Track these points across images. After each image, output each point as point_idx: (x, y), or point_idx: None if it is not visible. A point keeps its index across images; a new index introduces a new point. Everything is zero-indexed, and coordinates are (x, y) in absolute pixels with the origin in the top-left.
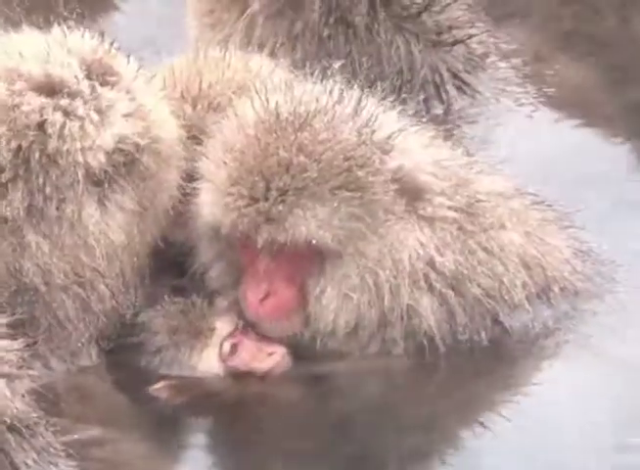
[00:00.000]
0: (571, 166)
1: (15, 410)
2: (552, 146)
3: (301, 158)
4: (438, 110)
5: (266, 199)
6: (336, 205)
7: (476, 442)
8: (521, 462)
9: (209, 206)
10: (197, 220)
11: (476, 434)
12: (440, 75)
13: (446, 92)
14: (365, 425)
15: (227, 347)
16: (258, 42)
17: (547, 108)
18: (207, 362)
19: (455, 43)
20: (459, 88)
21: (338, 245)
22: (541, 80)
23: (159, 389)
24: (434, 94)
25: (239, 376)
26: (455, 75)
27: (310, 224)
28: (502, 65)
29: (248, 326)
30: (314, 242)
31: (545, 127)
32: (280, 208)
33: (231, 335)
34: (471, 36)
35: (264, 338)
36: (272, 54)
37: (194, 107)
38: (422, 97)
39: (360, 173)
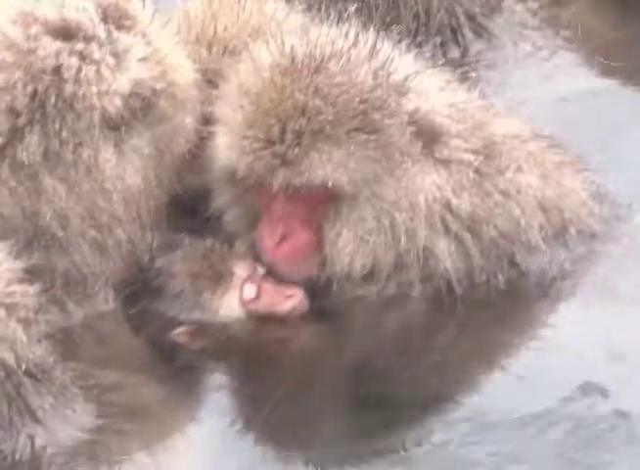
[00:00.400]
0: (588, 110)
1: (31, 355)
2: (569, 89)
3: (317, 100)
4: (455, 53)
5: (282, 142)
6: (352, 147)
7: (492, 383)
8: (538, 404)
9: (225, 149)
10: (213, 164)
11: (492, 376)
12: (457, 19)
13: (463, 36)
14: (382, 367)
15: (248, 290)
16: None
17: (564, 51)
18: (229, 306)
19: None
20: (475, 32)
21: (353, 187)
22: (558, 24)
23: (179, 334)
24: (451, 38)
25: (258, 319)
26: (472, 19)
27: (326, 167)
28: (519, 8)
29: (265, 269)
30: (330, 185)
31: (562, 71)
32: (296, 150)
33: (250, 278)
34: None
35: (282, 281)
36: None
37: (209, 50)
38: (438, 40)
39: (376, 116)
